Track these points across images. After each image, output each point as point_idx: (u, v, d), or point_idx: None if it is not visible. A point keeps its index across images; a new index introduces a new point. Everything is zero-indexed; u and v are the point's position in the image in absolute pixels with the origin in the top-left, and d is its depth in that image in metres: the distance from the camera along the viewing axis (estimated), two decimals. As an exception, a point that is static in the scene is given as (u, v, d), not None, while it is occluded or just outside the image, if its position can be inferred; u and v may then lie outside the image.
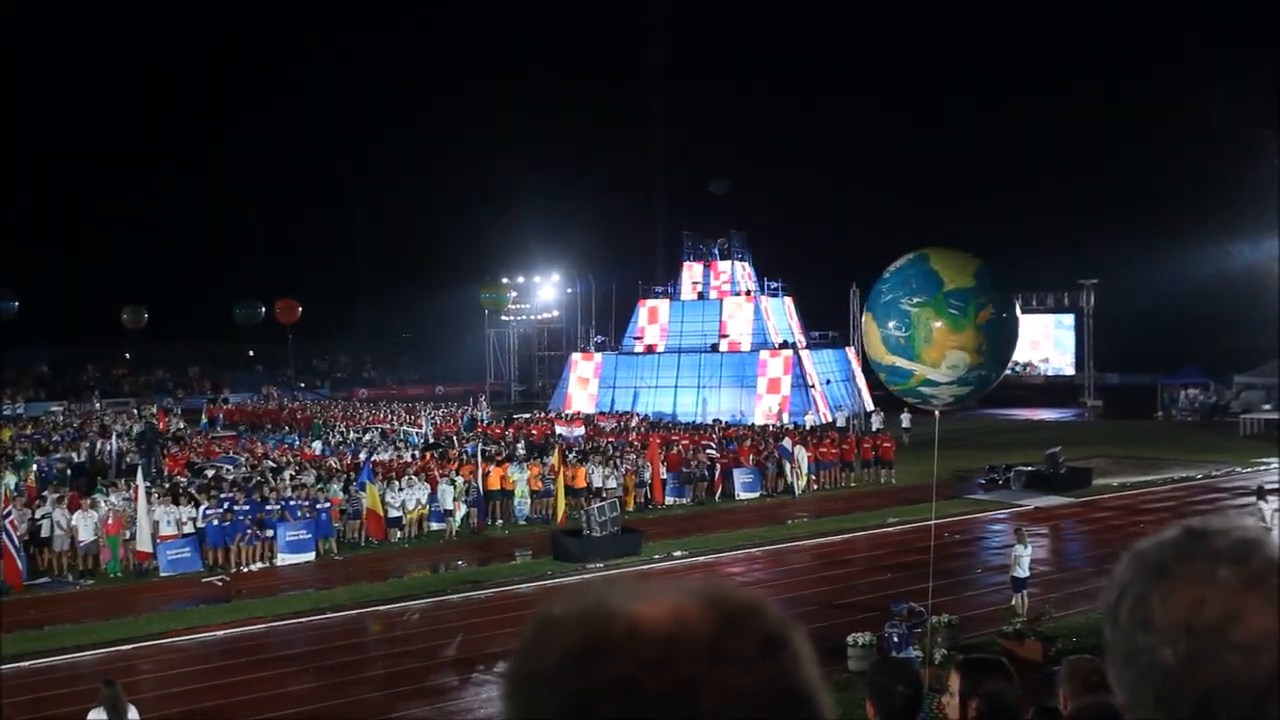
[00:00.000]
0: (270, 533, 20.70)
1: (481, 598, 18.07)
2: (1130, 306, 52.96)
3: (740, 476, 27.97)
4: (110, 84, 78.35)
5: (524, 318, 64.23)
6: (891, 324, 10.35)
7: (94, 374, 65.71)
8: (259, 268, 73.87)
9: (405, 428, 38.66)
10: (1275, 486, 21.13)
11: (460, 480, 23.92)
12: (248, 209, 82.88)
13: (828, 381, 45.53)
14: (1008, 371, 11.81)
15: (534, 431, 36.75)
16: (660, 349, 48.36)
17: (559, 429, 37.48)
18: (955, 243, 11.58)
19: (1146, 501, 26.07)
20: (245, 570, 20.05)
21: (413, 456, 28.55)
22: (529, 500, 24.80)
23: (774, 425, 38.25)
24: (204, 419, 46.08)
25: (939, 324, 10.03)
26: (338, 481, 23.34)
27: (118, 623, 16.56)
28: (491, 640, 15.19)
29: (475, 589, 18.55)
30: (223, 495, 21.38)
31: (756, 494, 27.76)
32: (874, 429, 36.55)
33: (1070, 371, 56.14)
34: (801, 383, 43.81)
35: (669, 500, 26.77)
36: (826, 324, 49.40)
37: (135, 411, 47.53)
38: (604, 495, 23.47)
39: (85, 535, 19.83)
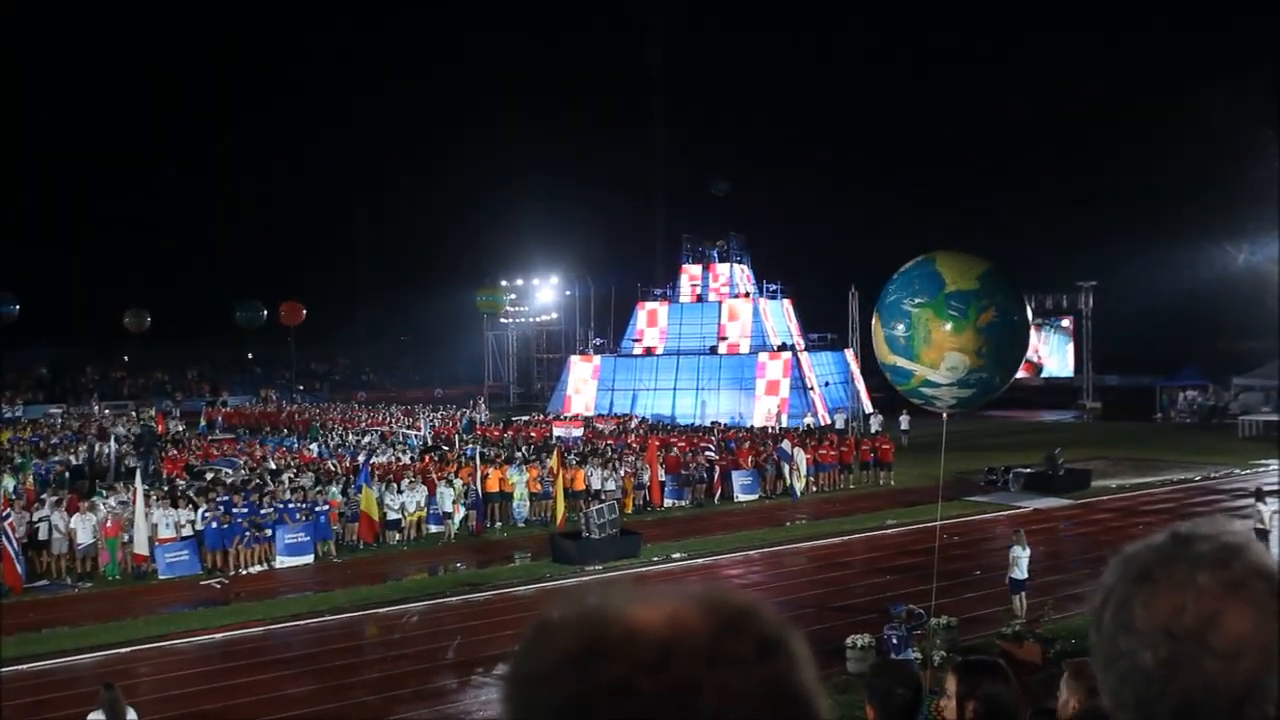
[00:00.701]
0: (269, 533, 20.68)
1: (480, 600, 18.07)
2: (1129, 308, 53.00)
3: (739, 479, 27.97)
4: (110, 84, 78.42)
5: (523, 320, 64.22)
6: (893, 324, 10.36)
7: (93, 376, 65.67)
8: (258, 269, 73.98)
9: (404, 430, 38.65)
10: (1274, 488, 21.12)
11: (459, 483, 23.92)
12: (247, 210, 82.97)
13: (826, 383, 45.55)
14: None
15: (533, 434, 36.76)
16: (659, 351, 48.37)
17: (557, 431, 37.47)
18: (954, 244, 11.57)
19: (1145, 503, 26.07)
20: (244, 573, 20.02)
21: (411, 459, 28.54)
22: (528, 502, 24.79)
23: (773, 427, 38.26)
24: (202, 422, 46.07)
25: (938, 325, 10.02)
26: (336, 484, 23.34)
27: (116, 625, 16.54)
28: (490, 643, 15.18)
29: (474, 591, 18.54)
30: (221, 498, 21.37)
31: (755, 496, 27.76)
32: (873, 431, 36.56)
33: (1068, 374, 56.07)
34: (800, 385, 43.83)
35: (668, 502, 26.77)
36: (825, 326, 49.41)
37: (134, 414, 47.49)
38: (603, 497, 23.47)
39: (84, 538, 19.81)
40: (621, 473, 26.02)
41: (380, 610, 17.49)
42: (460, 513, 23.52)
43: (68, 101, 77.22)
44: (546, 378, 60.26)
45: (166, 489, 23.18)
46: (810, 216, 68.52)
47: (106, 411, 50.33)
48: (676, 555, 21.12)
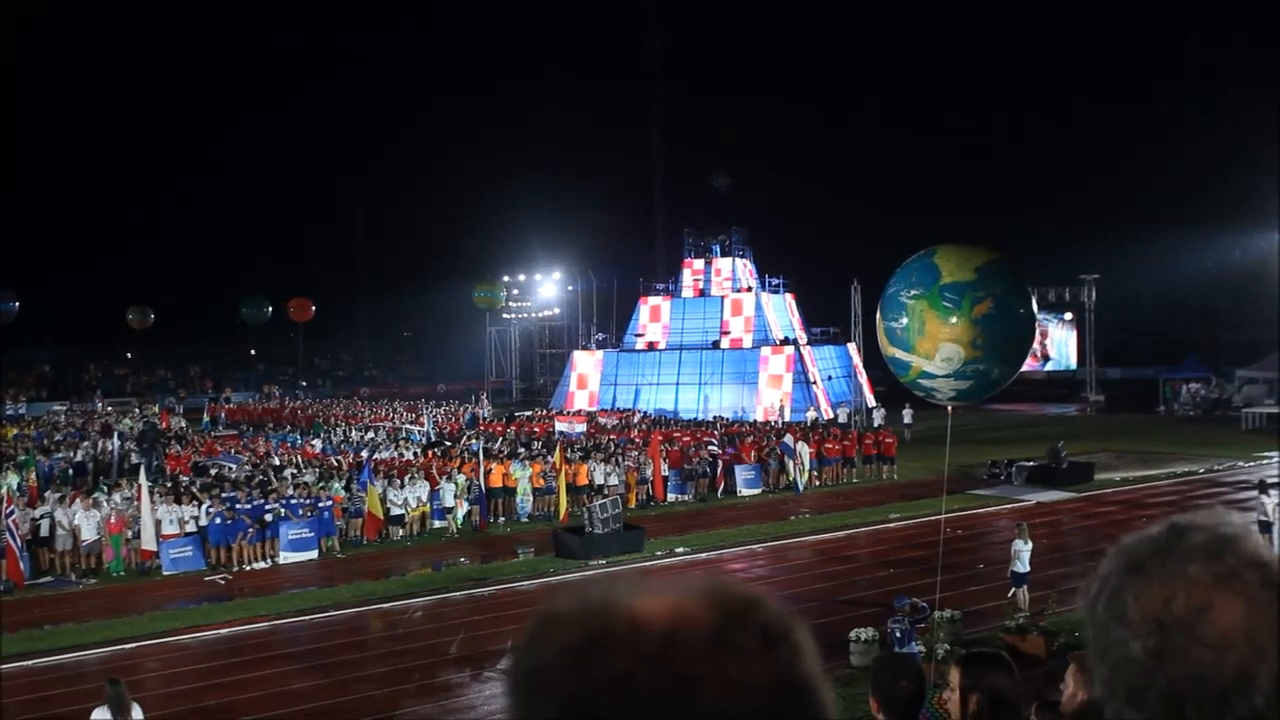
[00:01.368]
0: (270, 520, 20.66)
1: (484, 595, 18.08)
2: (1132, 301, 52.94)
3: (742, 473, 27.98)
4: (115, 82, 78.44)
5: (525, 315, 64.18)
6: (892, 317, 10.37)
7: (96, 374, 65.75)
8: (261, 266, 74.01)
9: (407, 426, 38.69)
10: (1277, 480, 21.09)
11: (461, 478, 23.94)
12: (250, 207, 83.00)
13: (829, 377, 45.52)
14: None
15: (536, 429, 36.78)
16: (662, 346, 48.36)
17: (560, 426, 37.49)
18: (957, 238, 11.51)
19: (1148, 496, 26.05)
20: (247, 569, 20.06)
21: (414, 455, 28.57)
22: (531, 498, 24.81)
23: (776, 422, 38.27)
24: (206, 418, 46.12)
25: (932, 316, 10.02)
26: (339, 480, 23.37)
27: (120, 621, 16.57)
28: (494, 638, 15.21)
29: (478, 586, 18.55)
30: (225, 494, 21.41)
31: (758, 490, 27.76)
32: (875, 425, 36.54)
33: (1071, 367, 56.06)
34: (803, 379, 43.80)
35: (671, 497, 26.79)
36: (828, 320, 49.39)
37: (137, 411, 47.54)
38: (606, 492, 23.49)
39: (88, 534, 19.84)
40: (624, 467, 26.03)
41: (384, 605, 17.51)
42: (464, 508, 23.54)
43: (71, 99, 77.30)
44: (549, 373, 60.26)
45: (170, 485, 23.23)
46: (812, 211, 68.49)
47: (110, 408, 50.37)
48: (680, 550, 21.13)
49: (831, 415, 41.49)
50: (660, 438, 29.64)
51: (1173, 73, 64.22)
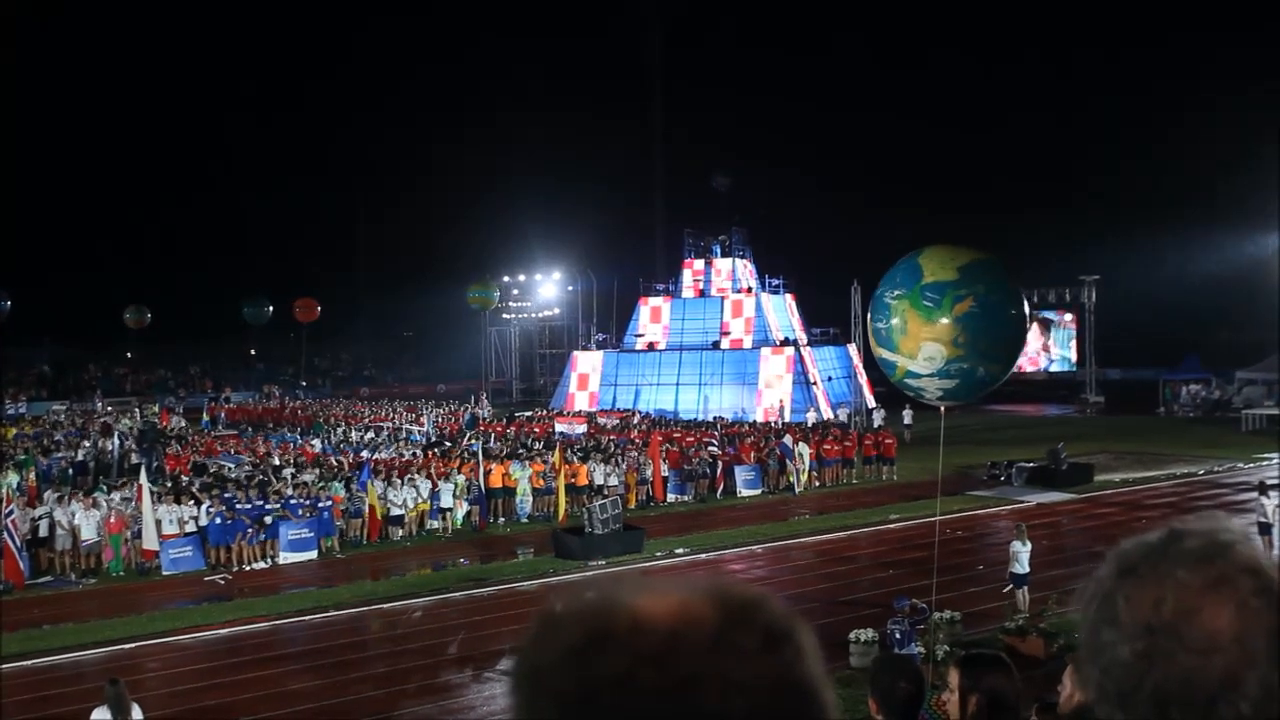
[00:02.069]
0: (270, 521, 20.66)
1: (484, 595, 18.08)
2: (1132, 302, 52.92)
3: (742, 474, 27.97)
4: (116, 82, 78.42)
5: (525, 315, 64.12)
6: (879, 317, 10.43)
7: (96, 373, 65.73)
8: (261, 266, 74.01)
9: (407, 426, 38.69)
10: (1277, 482, 21.08)
11: (460, 478, 23.93)
12: (250, 207, 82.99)
13: (829, 378, 45.52)
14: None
15: (535, 429, 36.77)
16: (661, 346, 48.33)
17: (560, 426, 37.48)
18: (956, 238, 11.50)
19: (1148, 497, 26.05)
20: (247, 569, 20.06)
21: (414, 455, 28.56)
22: (531, 498, 24.80)
23: (775, 422, 38.26)
24: (205, 418, 46.08)
25: (913, 315, 10.05)
26: (339, 480, 23.36)
27: (120, 621, 16.56)
28: (494, 638, 15.20)
29: (477, 587, 18.55)
30: (225, 494, 21.40)
31: (758, 491, 27.76)
32: (875, 426, 36.53)
33: (1070, 368, 56.06)
34: (803, 380, 43.79)
35: (671, 498, 26.79)
36: (828, 321, 49.38)
37: (137, 411, 47.53)
38: (606, 493, 23.48)
39: (88, 534, 19.83)
40: (624, 468, 26.03)
41: (384, 605, 17.51)
42: (462, 508, 23.54)
43: (71, 98, 77.27)
44: (549, 373, 60.21)
45: (170, 485, 23.22)
46: (812, 212, 68.51)
47: (110, 408, 50.36)
48: (679, 550, 21.13)
49: (831, 416, 41.47)
50: (660, 438, 29.63)
51: (1173, 73, 64.26)
